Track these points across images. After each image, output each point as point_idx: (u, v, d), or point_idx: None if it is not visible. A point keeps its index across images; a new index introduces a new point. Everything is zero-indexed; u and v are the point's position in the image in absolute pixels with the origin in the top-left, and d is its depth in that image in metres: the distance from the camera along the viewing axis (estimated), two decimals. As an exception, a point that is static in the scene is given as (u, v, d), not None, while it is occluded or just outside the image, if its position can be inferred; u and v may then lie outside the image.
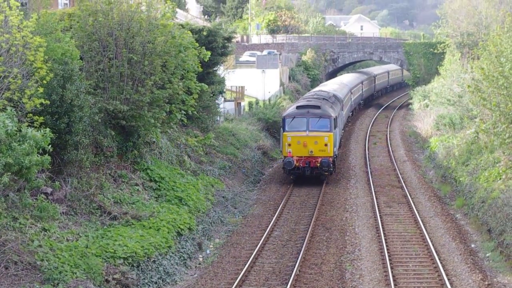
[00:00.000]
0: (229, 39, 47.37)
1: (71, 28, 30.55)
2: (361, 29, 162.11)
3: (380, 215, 33.36)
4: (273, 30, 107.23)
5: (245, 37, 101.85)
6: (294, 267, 25.76)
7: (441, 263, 26.04)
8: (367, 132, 64.57)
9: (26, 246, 20.97)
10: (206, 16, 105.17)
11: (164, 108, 31.90)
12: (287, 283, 24.28)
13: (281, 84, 74.84)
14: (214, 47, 43.37)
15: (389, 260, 26.55)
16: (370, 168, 46.22)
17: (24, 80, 22.40)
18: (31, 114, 22.56)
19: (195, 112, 36.38)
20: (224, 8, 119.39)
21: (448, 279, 24.28)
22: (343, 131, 56.97)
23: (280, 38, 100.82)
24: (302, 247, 28.18)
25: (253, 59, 76.42)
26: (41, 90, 22.77)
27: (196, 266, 27.11)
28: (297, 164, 40.47)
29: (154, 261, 24.80)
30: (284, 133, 41.17)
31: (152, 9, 31.83)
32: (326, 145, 40.62)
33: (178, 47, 32.46)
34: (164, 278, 24.62)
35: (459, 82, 52.95)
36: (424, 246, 28.70)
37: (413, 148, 55.52)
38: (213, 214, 33.04)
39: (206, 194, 34.33)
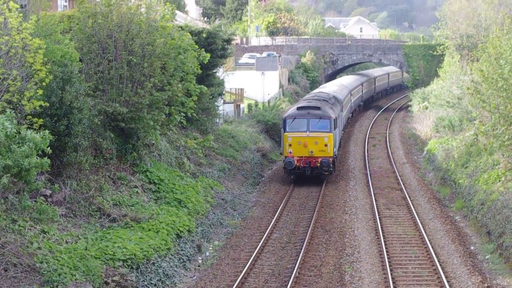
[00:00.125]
0: (228, 41, 47.39)
1: (70, 30, 30.55)
2: (361, 31, 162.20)
3: (379, 217, 33.36)
4: (272, 32, 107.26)
5: (244, 39, 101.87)
6: (294, 269, 25.75)
7: (440, 265, 26.03)
8: (366, 134, 64.59)
9: (26, 248, 20.95)
10: (205, 18, 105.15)
11: (164, 110, 31.90)
12: (286, 285, 24.26)
13: (281, 86, 74.85)
14: (214, 49, 43.39)
15: (389, 262, 26.54)
16: (369, 170, 46.22)
17: (23, 82, 22.39)
18: (30, 116, 22.55)
19: (194, 114, 36.39)
20: (224, 10, 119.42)
21: (448, 281, 24.28)
22: (343, 132, 57.36)
23: (280, 40, 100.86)
24: (301, 249, 28.17)
25: (253, 61, 76.45)
26: (40, 92, 22.76)
27: (195, 268, 27.10)
28: (297, 164, 41.10)
29: (153, 263, 24.78)
30: (285, 133, 41.91)
31: (152, 11, 31.84)
32: (326, 145, 41.31)
33: (178, 49, 32.48)
34: (163, 280, 24.60)
35: (459, 84, 52.99)
36: (423, 248, 28.69)
37: (412, 150, 55.54)
38: (212, 216, 33.03)
39: (205, 196, 34.32)
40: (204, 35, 42.63)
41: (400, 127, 69.62)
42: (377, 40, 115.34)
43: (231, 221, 33.79)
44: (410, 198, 37.54)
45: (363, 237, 30.67)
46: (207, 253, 28.86)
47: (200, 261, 27.82)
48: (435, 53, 77.84)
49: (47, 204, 23.47)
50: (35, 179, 21.49)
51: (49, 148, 20.86)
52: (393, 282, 24.43)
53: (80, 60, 28.16)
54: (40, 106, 22.73)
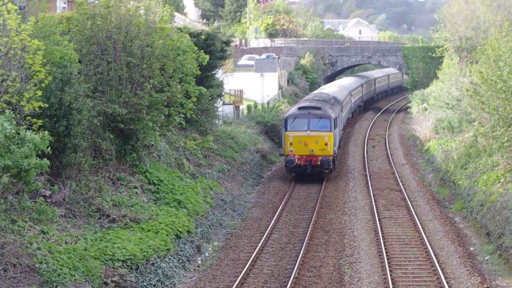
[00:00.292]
0: (227, 42, 47.47)
1: (69, 31, 30.54)
2: (360, 33, 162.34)
3: (379, 218, 33.36)
4: (271, 34, 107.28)
5: (243, 41, 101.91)
6: (293, 270, 25.75)
7: (440, 266, 26.04)
8: (365, 136, 64.61)
9: (25, 249, 20.95)
10: (204, 20, 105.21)
11: (163, 112, 31.91)
12: (286, 286, 24.27)
13: (280, 87, 74.88)
14: (213, 50, 43.43)
15: (388, 263, 26.54)
16: (369, 171, 46.24)
17: (22, 83, 22.39)
18: (29, 117, 22.55)
19: (193, 116, 36.41)
20: (223, 12, 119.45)
21: (447, 282, 24.28)
22: (342, 132, 57.87)
23: (279, 42, 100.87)
24: (301, 250, 28.17)
25: (252, 62, 76.48)
26: (39, 93, 22.76)
27: (195, 269, 27.09)
28: (298, 163, 42.13)
29: (152, 264, 24.78)
30: (286, 132, 42.83)
31: (151, 13, 31.85)
32: (326, 144, 42.32)
33: (177, 51, 32.49)
34: (162, 280, 24.60)
35: (458, 86, 53.05)
36: (423, 249, 28.69)
37: (411, 151, 55.55)
38: (211, 217, 33.04)
39: (204, 197, 34.32)
40: (203, 37, 42.69)
41: (399, 129, 69.65)
42: (376, 42, 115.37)
43: (230, 222, 33.79)
44: (409, 199, 37.55)
45: (363, 238, 30.67)
46: (207, 254, 28.86)
47: (199, 262, 27.81)
48: (434, 55, 77.88)
49: (46, 205, 23.46)
50: (34, 180, 21.48)
51: (48, 148, 20.88)
52: (393, 283, 24.43)
53: (79, 62, 28.17)
54: (40, 107, 22.74)
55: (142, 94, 30.20)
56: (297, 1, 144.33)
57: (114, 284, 22.04)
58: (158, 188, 31.83)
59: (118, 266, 23.07)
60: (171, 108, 32.84)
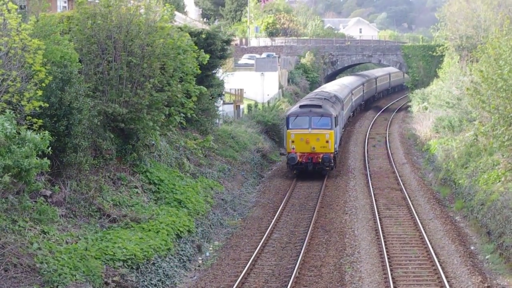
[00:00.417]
0: (228, 42, 47.44)
1: (69, 31, 30.52)
2: (360, 32, 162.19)
3: (379, 218, 33.36)
4: (272, 33, 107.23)
5: (244, 40, 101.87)
6: (294, 269, 25.75)
7: (440, 265, 26.04)
8: (366, 135, 64.61)
9: (26, 249, 20.94)
10: (205, 19, 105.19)
11: (163, 111, 31.88)
12: (286, 285, 24.27)
13: (280, 86, 74.85)
14: (213, 50, 43.41)
15: (389, 262, 26.55)
16: (369, 171, 46.24)
17: (23, 83, 22.37)
18: (30, 117, 22.54)
19: (194, 115, 36.38)
20: (223, 11, 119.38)
21: (448, 281, 24.28)
22: (343, 130, 58.29)
23: (279, 41, 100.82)
24: (301, 250, 28.17)
25: (252, 62, 76.43)
26: (40, 93, 22.74)
27: (195, 269, 27.10)
28: (300, 160, 42.99)
29: (153, 264, 24.78)
30: (288, 130, 43.63)
31: (151, 12, 31.82)
32: (327, 141, 43.10)
33: (177, 50, 32.46)
34: (163, 280, 24.60)
35: (458, 85, 52.99)
36: (423, 248, 28.69)
37: (412, 150, 55.55)
38: (212, 217, 33.03)
39: (205, 197, 34.32)
40: (204, 36, 42.66)
41: (400, 128, 69.65)
42: (377, 41, 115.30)
43: (231, 222, 33.79)
44: (410, 198, 37.54)
45: (363, 237, 30.67)
46: (207, 253, 28.86)
47: (200, 261, 27.82)
48: (434, 54, 77.78)
49: (47, 205, 23.46)
50: (35, 180, 21.48)
51: (49, 148, 20.86)
52: (393, 282, 24.43)
53: (80, 61, 28.15)
54: (40, 106, 22.72)
55: (142, 94, 30.19)
56: (298, 0, 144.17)
57: (115, 284, 22.05)
58: (158, 188, 31.83)
59: (119, 266, 23.08)
60: (172, 108, 32.82)
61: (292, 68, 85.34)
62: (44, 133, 20.83)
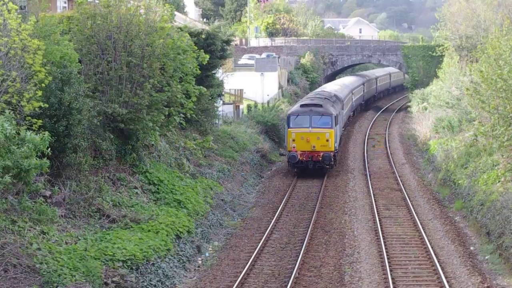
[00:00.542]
0: (227, 42, 47.41)
1: (69, 31, 30.52)
2: (360, 32, 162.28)
3: (379, 218, 33.37)
4: (271, 33, 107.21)
5: (243, 40, 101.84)
6: (293, 269, 25.75)
7: (440, 265, 26.04)
8: (365, 135, 64.62)
9: (25, 249, 20.95)
10: (205, 19, 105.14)
11: (163, 111, 31.87)
12: (286, 286, 24.27)
13: (280, 87, 74.84)
14: (213, 50, 43.39)
15: (388, 262, 26.54)
16: (369, 171, 46.25)
17: (22, 83, 22.38)
18: (29, 117, 22.54)
19: (193, 115, 36.37)
20: (223, 11, 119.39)
21: (447, 282, 24.28)
22: (343, 129, 58.70)
23: (279, 41, 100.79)
24: (301, 250, 28.17)
25: (252, 62, 76.38)
26: (39, 93, 22.75)
27: (195, 269, 27.09)
28: (300, 158, 43.58)
29: (153, 264, 24.78)
30: (289, 129, 44.29)
31: (151, 12, 31.81)
32: (327, 140, 43.75)
33: (177, 49, 32.45)
34: (163, 281, 24.59)
35: (458, 85, 52.95)
36: (423, 248, 28.69)
37: (411, 151, 55.56)
38: (212, 217, 33.03)
39: (205, 197, 34.31)
40: (203, 36, 42.65)
41: (399, 128, 69.66)
42: (377, 41, 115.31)
43: (230, 222, 33.79)
44: (409, 199, 37.55)
45: (363, 237, 30.67)
46: (207, 254, 28.86)
47: (199, 262, 27.81)
48: (434, 54, 77.76)
49: (46, 205, 23.46)
50: (34, 180, 21.49)
51: (48, 149, 20.86)
52: (393, 283, 24.43)
53: (79, 61, 28.15)
54: (40, 107, 22.72)
55: (142, 94, 30.17)
56: (298, 0, 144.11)
57: (115, 285, 22.04)
58: (158, 188, 31.83)
59: (119, 266, 23.08)
60: (171, 108, 32.81)
61: (292, 68, 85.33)
62: (44, 134, 20.83)
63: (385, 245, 28.80)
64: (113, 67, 30.22)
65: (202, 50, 36.77)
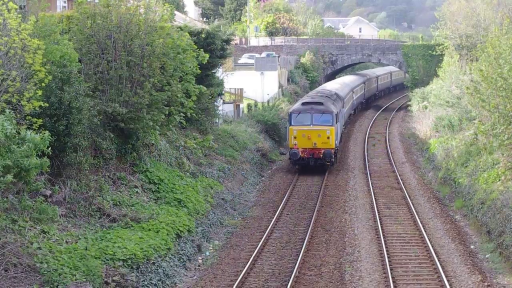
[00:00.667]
0: (227, 41, 47.40)
1: (69, 30, 30.52)
2: (360, 31, 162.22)
3: (379, 217, 33.37)
4: (271, 33, 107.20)
5: (243, 40, 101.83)
6: (294, 268, 25.76)
7: (440, 264, 26.05)
8: (366, 134, 64.62)
9: (26, 249, 20.95)
10: (204, 19, 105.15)
11: (163, 111, 31.87)
12: (286, 285, 24.27)
13: (280, 86, 74.83)
14: (213, 49, 43.39)
15: (389, 261, 26.55)
16: (369, 170, 46.26)
17: (22, 82, 22.38)
18: (29, 117, 22.54)
19: (194, 114, 36.35)
20: (223, 10, 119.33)
21: (448, 280, 24.29)
22: (344, 127, 59.28)
23: (279, 40, 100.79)
24: (301, 249, 28.18)
25: (252, 61, 76.38)
26: (39, 92, 22.75)
27: (195, 268, 27.10)
28: (302, 155, 44.54)
29: (153, 263, 24.78)
30: (290, 127, 45.09)
31: (151, 11, 31.81)
32: (328, 138, 44.64)
33: (177, 49, 32.45)
34: (163, 280, 24.60)
35: (458, 84, 52.95)
36: (423, 247, 28.70)
37: (412, 149, 55.56)
38: (212, 216, 33.04)
39: (205, 196, 34.32)
40: (203, 36, 42.64)
41: (399, 127, 69.67)
42: (376, 40, 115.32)
43: (231, 221, 33.80)
44: (410, 198, 37.55)
45: (363, 236, 30.68)
46: (207, 253, 28.86)
47: (200, 261, 27.82)
48: (434, 53, 77.75)
49: (47, 204, 23.45)
50: (35, 180, 21.48)
51: (48, 148, 20.86)
52: (393, 282, 24.43)
53: (79, 61, 28.15)
54: (40, 106, 22.72)
55: (142, 93, 30.17)
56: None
57: (115, 284, 22.03)
58: (158, 187, 31.83)
59: (119, 266, 23.07)
60: (171, 107, 32.81)
61: (291, 68, 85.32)
62: (44, 133, 20.83)
63: (385, 244, 28.80)
64: (113, 67, 30.22)
65: (202, 50, 36.76)
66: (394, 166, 47.52)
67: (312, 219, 33.01)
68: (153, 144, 33.99)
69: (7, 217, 21.65)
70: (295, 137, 44.68)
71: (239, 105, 60.66)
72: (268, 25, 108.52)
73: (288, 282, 24.36)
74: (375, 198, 37.39)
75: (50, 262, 20.88)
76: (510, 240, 26.58)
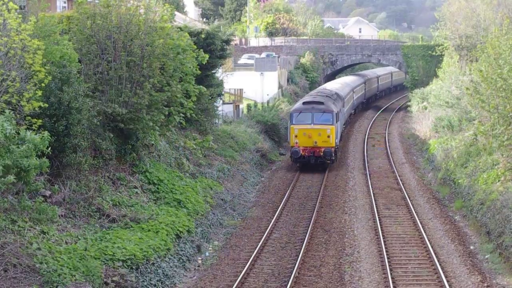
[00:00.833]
0: (227, 41, 47.42)
1: (69, 31, 30.52)
2: (360, 32, 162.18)
3: (379, 217, 33.37)
4: (271, 33, 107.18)
5: (243, 40, 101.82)
6: (293, 269, 25.76)
7: (440, 265, 26.05)
8: (365, 134, 64.62)
9: (25, 249, 20.95)
10: (204, 19, 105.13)
11: (163, 111, 31.87)
12: (286, 285, 24.28)
13: (280, 86, 74.84)
14: (213, 49, 43.40)
15: (388, 262, 26.55)
16: (368, 170, 46.26)
17: (22, 83, 22.38)
18: (29, 117, 22.54)
19: (193, 115, 36.37)
20: (223, 11, 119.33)
21: (447, 281, 24.29)
22: (344, 127, 59.84)
23: (279, 40, 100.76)
24: (301, 249, 28.18)
25: (252, 61, 76.40)
26: (39, 93, 22.75)
27: (195, 269, 27.10)
28: (303, 154, 45.58)
29: (153, 264, 24.78)
30: (292, 126, 46.16)
31: (151, 12, 31.80)
32: (328, 136, 45.64)
33: (176, 49, 32.44)
34: (163, 280, 24.60)
35: (458, 85, 52.95)
36: (423, 248, 28.70)
37: (411, 150, 55.55)
38: (212, 217, 33.03)
39: (204, 197, 34.31)
40: (203, 36, 42.63)
41: (399, 127, 69.66)
42: (376, 41, 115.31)
43: (230, 221, 33.79)
44: (409, 198, 37.55)
45: (363, 237, 30.68)
46: (207, 253, 28.86)
47: (199, 261, 27.82)
48: (434, 53, 77.73)
49: (46, 205, 23.43)
50: (34, 180, 21.47)
51: (48, 148, 20.85)
52: (393, 282, 24.43)
53: (79, 61, 28.15)
54: (39, 107, 22.72)
55: (142, 94, 30.16)
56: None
57: (115, 284, 22.04)
58: (158, 188, 31.82)
59: (119, 266, 23.08)
60: (171, 108, 32.81)
61: (291, 68, 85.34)
62: (44, 133, 20.82)
63: (385, 245, 28.80)
64: (112, 67, 30.22)
65: (201, 50, 36.79)
66: (394, 167, 47.53)
67: (311, 220, 33.01)
68: (152, 144, 33.98)
69: (7, 217, 21.65)
70: (296, 136, 45.61)
71: (238, 105, 60.66)
72: (268, 26, 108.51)
73: (288, 283, 24.36)
74: (374, 199, 37.39)
75: (49, 263, 20.88)
76: (510, 241, 26.58)
